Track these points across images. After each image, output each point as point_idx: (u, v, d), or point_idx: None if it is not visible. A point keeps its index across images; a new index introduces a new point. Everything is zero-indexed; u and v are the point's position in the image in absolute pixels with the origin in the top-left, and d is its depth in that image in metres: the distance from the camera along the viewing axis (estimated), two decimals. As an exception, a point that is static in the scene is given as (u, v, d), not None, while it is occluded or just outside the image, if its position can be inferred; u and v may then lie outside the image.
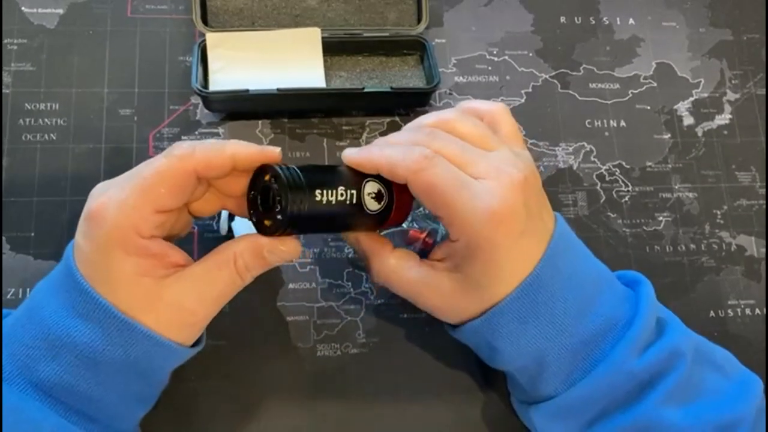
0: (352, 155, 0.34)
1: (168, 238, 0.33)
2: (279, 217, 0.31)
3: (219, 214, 0.42)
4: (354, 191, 0.33)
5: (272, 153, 0.32)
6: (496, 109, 0.37)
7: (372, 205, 0.33)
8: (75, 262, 0.30)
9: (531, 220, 0.32)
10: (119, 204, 0.30)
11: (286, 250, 0.33)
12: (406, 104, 0.47)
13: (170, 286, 0.31)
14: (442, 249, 0.35)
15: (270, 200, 0.31)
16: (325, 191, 0.32)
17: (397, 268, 0.35)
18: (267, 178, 0.31)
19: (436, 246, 0.36)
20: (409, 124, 0.37)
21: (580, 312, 0.33)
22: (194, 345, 0.34)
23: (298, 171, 0.31)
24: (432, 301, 0.35)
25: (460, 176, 0.32)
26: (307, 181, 0.31)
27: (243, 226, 0.41)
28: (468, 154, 0.33)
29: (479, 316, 0.34)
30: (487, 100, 0.39)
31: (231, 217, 0.42)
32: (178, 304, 0.31)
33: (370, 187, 0.33)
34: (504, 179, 0.32)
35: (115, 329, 0.30)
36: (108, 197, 0.30)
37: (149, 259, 0.30)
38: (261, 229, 0.32)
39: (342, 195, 0.32)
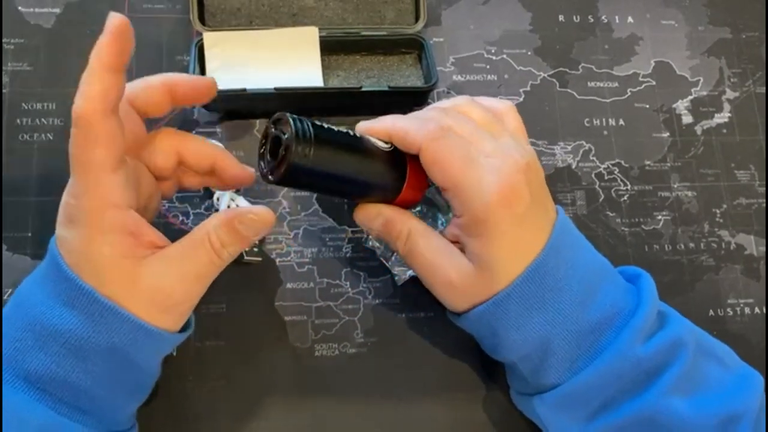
0: (365, 124, 0.35)
1: None
2: (289, 146, 0.31)
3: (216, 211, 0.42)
4: (357, 132, 0.34)
5: (208, 80, 0.33)
6: (503, 106, 0.38)
7: (381, 144, 0.34)
8: (59, 252, 0.31)
9: (534, 205, 0.33)
10: (84, 188, 0.30)
11: (257, 218, 0.33)
12: (404, 103, 0.47)
13: (148, 267, 0.31)
14: (450, 231, 0.36)
15: (278, 146, 0.32)
16: (328, 125, 0.33)
17: (425, 232, 0.36)
18: (272, 127, 0.32)
19: (446, 228, 0.37)
20: (422, 109, 0.38)
21: (585, 300, 0.34)
22: (182, 331, 0.34)
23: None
24: (453, 275, 0.35)
25: (471, 151, 0.33)
26: (311, 120, 0.32)
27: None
28: (477, 135, 0.34)
29: (486, 301, 0.34)
30: (495, 98, 0.39)
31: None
32: (156, 286, 0.31)
33: (376, 136, 0.35)
34: (509, 161, 0.33)
35: (99, 315, 0.30)
36: (72, 186, 0.30)
37: (126, 237, 0.30)
38: (275, 179, 0.32)
39: (346, 130, 0.34)
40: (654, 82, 0.51)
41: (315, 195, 0.45)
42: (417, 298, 0.40)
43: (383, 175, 0.35)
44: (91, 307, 0.30)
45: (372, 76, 0.48)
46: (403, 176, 0.35)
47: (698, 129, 0.51)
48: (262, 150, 0.33)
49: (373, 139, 0.35)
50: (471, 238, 0.34)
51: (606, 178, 0.48)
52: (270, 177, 0.32)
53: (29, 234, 0.42)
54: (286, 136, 0.31)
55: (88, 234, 0.30)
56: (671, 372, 0.32)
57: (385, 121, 0.35)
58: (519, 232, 0.33)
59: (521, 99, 0.49)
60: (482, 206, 0.32)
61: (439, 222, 0.40)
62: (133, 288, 0.30)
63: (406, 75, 0.48)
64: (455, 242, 0.36)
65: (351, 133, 0.34)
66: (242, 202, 0.42)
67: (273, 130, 0.32)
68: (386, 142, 0.35)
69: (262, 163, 0.33)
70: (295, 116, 0.32)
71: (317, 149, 0.31)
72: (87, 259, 0.30)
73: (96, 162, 0.30)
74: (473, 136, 0.34)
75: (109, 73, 0.30)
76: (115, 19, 0.30)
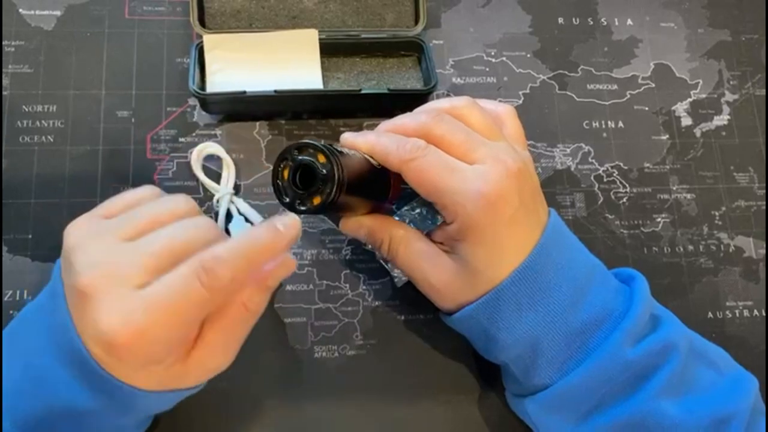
0: (350, 137, 0.36)
1: None
2: (330, 180, 0.31)
3: (215, 216, 0.42)
4: (354, 150, 0.35)
5: (293, 233, 0.30)
6: (503, 110, 0.39)
7: (374, 161, 0.35)
8: (90, 355, 0.28)
9: (524, 209, 0.34)
10: (154, 339, 0.28)
11: (284, 270, 0.32)
12: (404, 106, 0.47)
13: (196, 360, 0.31)
14: (438, 233, 0.36)
15: (299, 174, 0.32)
16: (342, 150, 0.33)
17: (406, 238, 0.37)
18: (295, 154, 0.32)
19: (434, 231, 0.37)
20: (422, 107, 0.38)
21: (574, 302, 0.34)
22: None
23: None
24: (433, 279, 0.36)
25: (451, 162, 0.34)
26: (330, 144, 0.32)
27: (240, 228, 0.41)
28: (471, 141, 0.34)
29: (475, 301, 0.34)
30: (495, 102, 0.39)
31: (228, 219, 0.42)
32: (206, 370, 0.32)
33: (360, 152, 0.36)
34: (499, 166, 0.33)
35: (143, 401, 0.30)
36: (134, 330, 0.27)
37: (176, 353, 0.30)
38: (305, 209, 0.32)
39: (350, 151, 0.34)
40: (653, 85, 0.51)
41: None
42: (416, 300, 0.40)
43: (377, 189, 0.36)
44: (135, 399, 0.30)
45: (372, 78, 0.48)
46: (389, 183, 0.36)
47: (697, 131, 0.51)
48: (278, 180, 0.32)
49: (366, 155, 0.35)
50: (460, 243, 0.34)
51: (605, 180, 0.48)
52: (300, 207, 0.32)
53: (29, 236, 0.42)
54: (322, 168, 0.31)
55: (141, 367, 0.29)
56: (661, 375, 0.33)
57: (368, 137, 0.35)
58: (507, 236, 0.33)
59: (520, 101, 0.49)
60: (469, 213, 0.33)
61: (439, 222, 0.40)
62: (182, 380, 0.31)
63: (405, 77, 0.48)
64: (442, 243, 0.36)
65: (356, 153, 0.34)
66: (242, 204, 0.43)
67: (298, 157, 0.32)
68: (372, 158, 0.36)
69: (283, 194, 0.33)
70: (325, 146, 0.31)
71: (349, 179, 0.31)
72: (134, 378, 0.29)
73: (195, 324, 0.30)
74: (465, 145, 0.34)
75: (261, 265, 0.30)
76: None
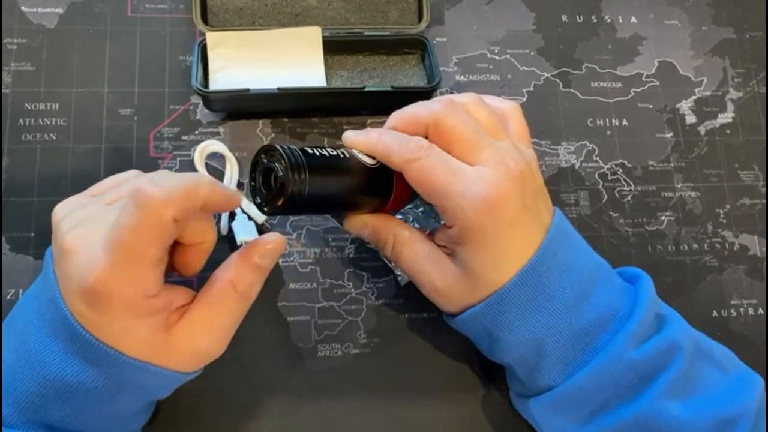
0: (351, 136, 0.36)
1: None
2: (285, 182, 0.31)
3: (218, 216, 0.42)
4: (344, 150, 0.35)
5: (238, 197, 0.32)
6: (508, 107, 0.38)
7: (368, 159, 0.35)
8: (75, 319, 0.29)
9: (526, 211, 0.33)
10: (123, 279, 0.28)
11: (273, 245, 0.33)
12: (407, 103, 0.47)
13: (181, 334, 0.31)
14: (440, 236, 0.36)
15: (272, 177, 0.32)
16: (315, 149, 0.33)
17: (410, 239, 0.36)
18: (263, 158, 0.33)
19: (435, 234, 0.37)
20: (434, 99, 0.38)
21: (578, 303, 0.34)
22: None
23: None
24: (437, 281, 0.35)
25: (453, 164, 0.33)
26: (298, 147, 0.33)
27: (243, 225, 0.41)
28: (478, 137, 0.34)
29: (478, 304, 0.34)
30: (500, 98, 0.39)
31: (231, 218, 0.42)
32: (192, 349, 0.31)
33: (361, 150, 0.36)
34: (500, 168, 0.33)
35: (131, 373, 0.30)
36: (104, 272, 0.28)
37: (159, 314, 0.30)
38: (271, 211, 0.32)
39: (333, 151, 0.34)
40: (657, 83, 0.51)
41: None
42: (419, 298, 0.40)
43: (372, 190, 0.36)
44: (122, 368, 0.30)
45: (375, 76, 0.48)
46: (391, 184, 0.36)
47: (702, 129, 0.50)
48: (254, 182, 0.33)
49: (360, 155, 0.35)
50: (461, 246, 0.34)
51: (609, 178, 0.48)
52: (265, 209, 0.33)
53: (32, 234, 0.42)
54: (280, 171, 0.31)
55: (122, 321, 0.29)
56: (666, 375, 0.32)
57: (370, 136, 0.35)
58: (508, 239, 0.33)
59: (524, 99, 0.49)
60: (469, 216, 0.32)
61: (443, 221, 0.40)
62: (168, 355, 0.31)
63: (409, 75, 0.48)
64: (444, 246, 0.36)
65: (339, 154, 0.34)
66: (245, 202, 0.42)
67: (265, 161, 0.32)
68: (369, 157, 0.35)
69: (255, 195, 0.33)
70: (285, 147, 0.32)
71: (311, 181, 0.32)
72: (116, 338, 0.29)
73: (147, 258, 0.29)
74: (472, 140, 0.34)
75: (201, 198, 0.29)
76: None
